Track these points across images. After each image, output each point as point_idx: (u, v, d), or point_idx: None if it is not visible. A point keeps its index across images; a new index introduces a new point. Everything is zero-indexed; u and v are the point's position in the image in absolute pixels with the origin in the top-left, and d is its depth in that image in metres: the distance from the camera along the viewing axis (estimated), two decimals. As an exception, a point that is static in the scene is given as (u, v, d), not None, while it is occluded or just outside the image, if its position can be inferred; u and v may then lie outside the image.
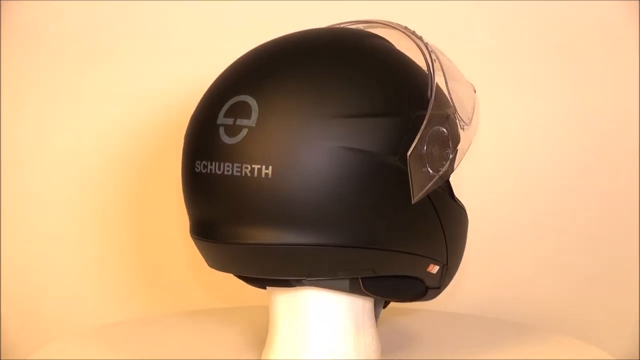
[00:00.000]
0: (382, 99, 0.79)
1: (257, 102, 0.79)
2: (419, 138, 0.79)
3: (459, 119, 0.84)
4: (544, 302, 1.36)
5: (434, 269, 0.85)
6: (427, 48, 0.84)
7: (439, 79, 0.84)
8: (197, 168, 0.81)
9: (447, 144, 0.81)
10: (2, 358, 1.32)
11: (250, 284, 0.89)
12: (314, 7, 1.29)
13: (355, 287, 0.83)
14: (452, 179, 0.88)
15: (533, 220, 1.35)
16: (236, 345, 0.99)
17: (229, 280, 0.93)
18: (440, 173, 0.81)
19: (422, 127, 0.79)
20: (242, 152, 0.78)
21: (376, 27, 0.89)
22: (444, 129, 0.81)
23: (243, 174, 0.78)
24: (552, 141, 1.34)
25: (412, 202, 0.79)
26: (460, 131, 0.84)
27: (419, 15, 1.23)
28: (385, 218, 0.79)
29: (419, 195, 0.79)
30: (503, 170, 1.35)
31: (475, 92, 0.90)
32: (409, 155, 0.78)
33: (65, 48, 1.32)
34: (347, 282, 0.83)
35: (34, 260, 1.35)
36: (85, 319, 1.32)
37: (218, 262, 0.84)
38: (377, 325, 0.90)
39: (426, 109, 0.80)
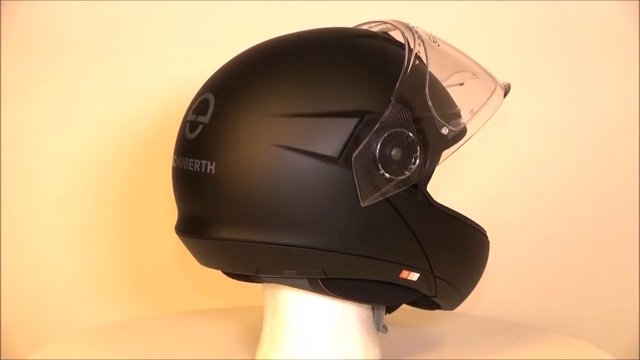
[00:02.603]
0: (328, 99, 0.78)
1: (214, 99, 0.81)
2: (368, 140, 0.77)
3: (440, 121, 0.80)
4: (544, 302, 1.36)
5: (412, 275, 0.82)
6: (414, 44, 0.82)
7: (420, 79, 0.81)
8: (173, 163, 0.84)
9: (413, 148, 0.78)
10: (2, 358, 1.32)
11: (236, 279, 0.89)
12: (314, 8, 1.29)
13: (317, 286, 0.82)
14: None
15: (532, 221, 1.35)
16: (235, 344, 0.99)
17: (227, 281, 0.93)
18: (403, 177, 0.78)
19: (374, 129, 0.77)
20: (195, 147, 0.81)
21: (390, 28, 0.88)
22: (410, 132, 0.78)
23: (194, 169, 0.80)
24: (551, 141, 1.34)
25: (362, 205, 0.77)
26: (442, 134, 0.80)
27: (419, 15, 1.23)
28: (330, 219, 0.78)
29: (372, 198, 0.77)
30: (502, 171, 1.35)
31: (502, 91, 0.86)
32: (354, 157, 0.77)
33: (65, 48, 1.32)
34: (306, 281, 0.82)
35: (34, 261, 1.35)
36: (85, 319, 1.32)
37: (194, 255, 0.85)
38: (385, 329, 0.89)
39: (390, 112, 0.78)
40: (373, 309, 0.89)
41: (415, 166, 0.78)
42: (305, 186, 0.77)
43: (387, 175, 0.77)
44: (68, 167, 1.34)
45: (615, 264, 1.35)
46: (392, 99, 0.78)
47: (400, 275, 0.82)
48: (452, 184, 1.34)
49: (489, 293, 1.32)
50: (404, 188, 0.78)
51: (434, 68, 0.84)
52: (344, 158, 0.77)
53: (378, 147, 0.77)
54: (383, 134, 0.77)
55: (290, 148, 0.77)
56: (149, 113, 1.32)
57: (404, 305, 0.90)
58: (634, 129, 1.32)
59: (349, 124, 0.77)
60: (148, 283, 1.36)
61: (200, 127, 0.81)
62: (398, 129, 0.78)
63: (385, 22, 0.88)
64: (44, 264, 1.35)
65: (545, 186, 1.35)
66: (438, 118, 0.80)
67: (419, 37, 0.83)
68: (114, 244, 1.35)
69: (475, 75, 0.88)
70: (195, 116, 0.82)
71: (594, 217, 1.35)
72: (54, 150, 1.34)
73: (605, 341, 1.21)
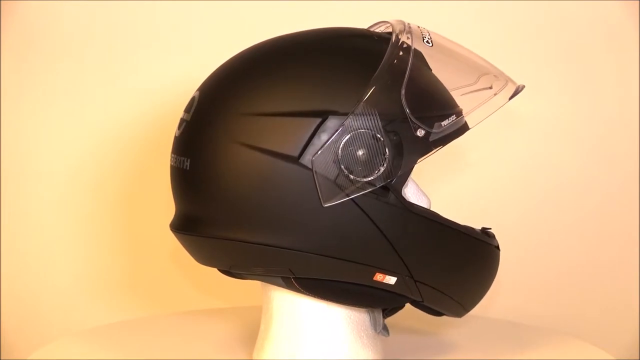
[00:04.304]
0: (293, 99, 0.78)
1: (198, 98, 0.83)
2: (331, 140, 0.76)
3: (415, 123, 0.78)
4: (544, 302, 1.36)
5: (388, 279, 0.81)
6: (399, 45, 0.80)
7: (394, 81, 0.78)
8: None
9: (381, 149, 0.77)
10: (2, 358, 1.32)
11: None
12: (314, 7, 1.29)
13: (291, 285, 0.82)
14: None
15: (532, 221, 1.35)
16: (234, 344, 0.99)
17: (226, 281, 0.93)
18: (369, 179, 0.77)
19: (337, 129, 0.76)
20: (178, 144, 0.83)
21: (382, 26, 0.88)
22: (378, 134, 0.76)
23: (176, 165, 0.83)
24: (551, 141, 1.34)
25: (324, 205, 0.76)
26: (417, 136, 0.78)
27: (419, 15, 1.23)
28: (293, 218, 0.77)
29: (335, 199, 0.77)
30: (502, 171, 1.35)
31: (508, 93, 0.84)
32: (314, 157, 0.76)
33: (64, 48, 1.32)
34: (280, 279, 0.82)
35: (34, 261, 1.35)
36: (85, 319, 1.32)
37: (186, 250, 0.87)
38: (386, 332, 0.88)
39: (355, 112, 0.77)
40: (369, 311, 0.88)
41: (384, 168, 0.77)
42: (266, 185, 0.77)
43: (351, 176, 0.77)
44: (68, 167, 1.34)
45: (615, 264, 1.35)
46: (360, 99, 0.77)
47: (374, 278, 0.81)
48: (452, 185, 1.34)
49: (488, 293, 1.32)
50: (370, 190, 0.77)
51: (445, 70, 0.83)
52: (305, 158, 0.76)
53: (340, 148, 0.76)
54: (347, 135, 0.76)
55: (253, 147, 0.77)
56: (148, 113, 1.32)
57: (412, 308, 0.89)
58: (634, 129, 1.32)
59: (311, 123, 0.77)
60: (148, 283, 1.36)
61: (184, 124, 0.83)
62: (364, 130, 0.77)
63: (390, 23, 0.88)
64: (44, 264, 1.35)
65: (545, 186, 1.35)
66: (413, 119, 0.78)
67: (411, 37, 0.82)
68: (114, 244, 1.35)
69: (497, 77, 0.86)
70: (183, 114, 0.84)
71: (594, 217, 1.35)
72: (54, 150, 1.34)
73: (605, 341, 1.21)
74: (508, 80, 0.86)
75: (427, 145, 0.79)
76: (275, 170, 0.77)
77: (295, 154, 0.77)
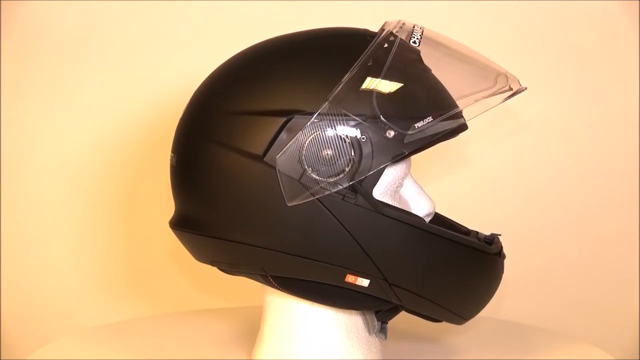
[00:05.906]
0: (261, 98, 0.78)
1: (191, 97, 0.84)
2: (295, 139, 0.76)
3: (385, 124, 0.76)
4: (544, 302, 1.36)
5: (360, 281, 0.79)
6: (380, 46, 0.79)
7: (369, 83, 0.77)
8: None
9: (346, 149, 0.76)
10: (2, 358, 1.32)
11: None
12: (314, 7, 1.29)
13: (269, 282, 0.82)
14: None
15: (531, 221, 1.35)
16: (235, 344, 0.99)
17: (226, 280, 0.93)
18: (334, 179, 0.76)
19: (302, 129, 0.75)
20: (173, 141, 0.85)
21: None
22: (344, 134, 0.75)
23: (170, 162, 0.84)
24: (551, 141, 1.34)
25: (288, 204, 0.76)
26: (387, 137, 0.76)
27: (419, 16, 1.23)
28: (258, 216, 0.78)
29: (299, 198, 0.76)
30: (502, 172, 1.35)
31: (503, 95, 0.82)
32: (278, 156, 0.76)
33: (64, 48, 1.32)
34: (259, 276, 0.82)
35: (34, 261, 1.35)
36: (85, 319, 1.32)
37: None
38: (383, 335, 0.87)
39: (321, 112, 0.76)
40: (360, 313, 0.88)
41: (349, 169, 0.76)
42: (235, 182, 0.78)
43: (315, 176, 0.76)
44: (68, 167, 1.34)
45: (615, 264, 1.35)
46: (326, 98, 0.76)
47: (346, 280, 0.80)
48: (451, 186, 1.34)
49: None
50: (335, 190, 0.76)
51: (445, 71, 0.82)
52: (269, 156, 0.76)
53: (305, 147, 0.76)
54: (311, 134, 0.76)
55: (225, 145, 0.78)
56: (148, 113, 1.32)
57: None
58: (634, 129, 1.32)
59: (276, 122, 0.77)
60: (148, 282, 1.36)
61: (178, 122, 0.84)
62: (329, 130, 0.76)
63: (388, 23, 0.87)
64: (44, 264, 1.35)
65: (545, 186, 1.35)
66: (382, 119, 0.76)
67: (398, 37, 0.80)
68: (114, 244, 1.35)
69: (507, 77, 0.84)
70: (182, 113, 0.85)
71: (594, 217, 1.35)
72: (54, 150, 1.34)
73: (605, 341, 1.21)
74: (511, 80, 0.85)
75: (400, 147, 0.77)
76: (243, 168, 0.77)
77: (260, 152, 0.77)
